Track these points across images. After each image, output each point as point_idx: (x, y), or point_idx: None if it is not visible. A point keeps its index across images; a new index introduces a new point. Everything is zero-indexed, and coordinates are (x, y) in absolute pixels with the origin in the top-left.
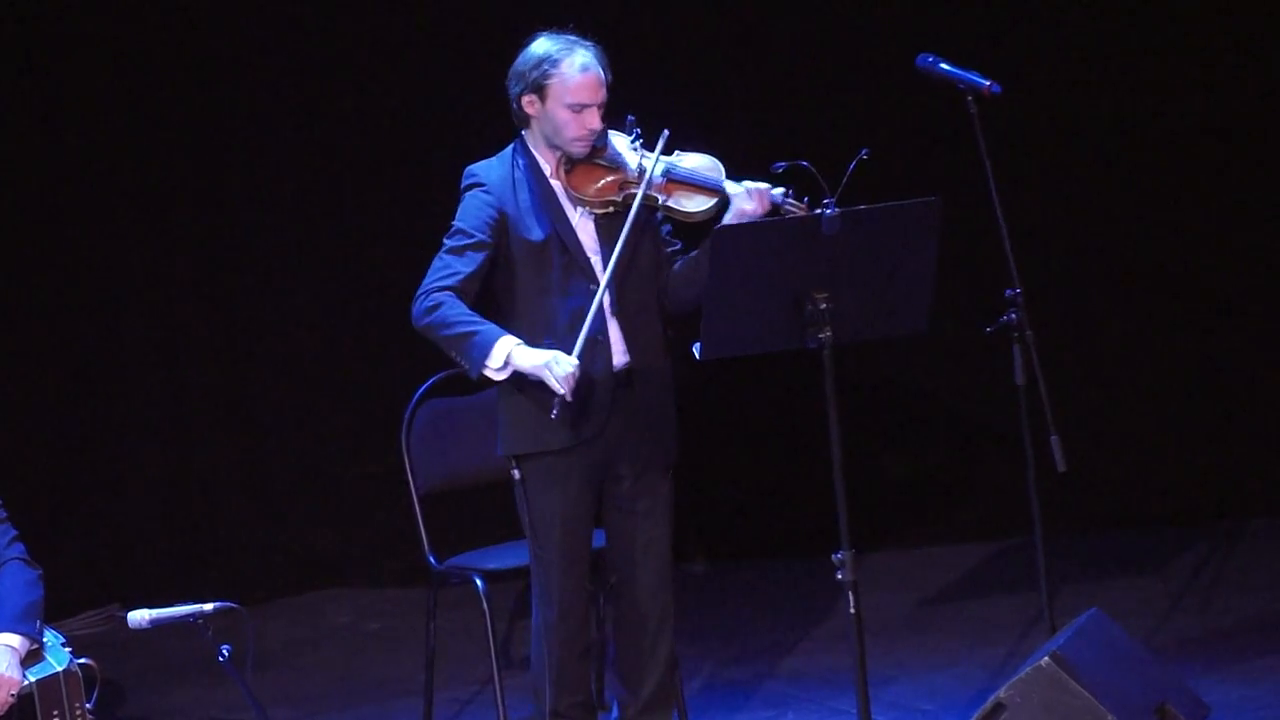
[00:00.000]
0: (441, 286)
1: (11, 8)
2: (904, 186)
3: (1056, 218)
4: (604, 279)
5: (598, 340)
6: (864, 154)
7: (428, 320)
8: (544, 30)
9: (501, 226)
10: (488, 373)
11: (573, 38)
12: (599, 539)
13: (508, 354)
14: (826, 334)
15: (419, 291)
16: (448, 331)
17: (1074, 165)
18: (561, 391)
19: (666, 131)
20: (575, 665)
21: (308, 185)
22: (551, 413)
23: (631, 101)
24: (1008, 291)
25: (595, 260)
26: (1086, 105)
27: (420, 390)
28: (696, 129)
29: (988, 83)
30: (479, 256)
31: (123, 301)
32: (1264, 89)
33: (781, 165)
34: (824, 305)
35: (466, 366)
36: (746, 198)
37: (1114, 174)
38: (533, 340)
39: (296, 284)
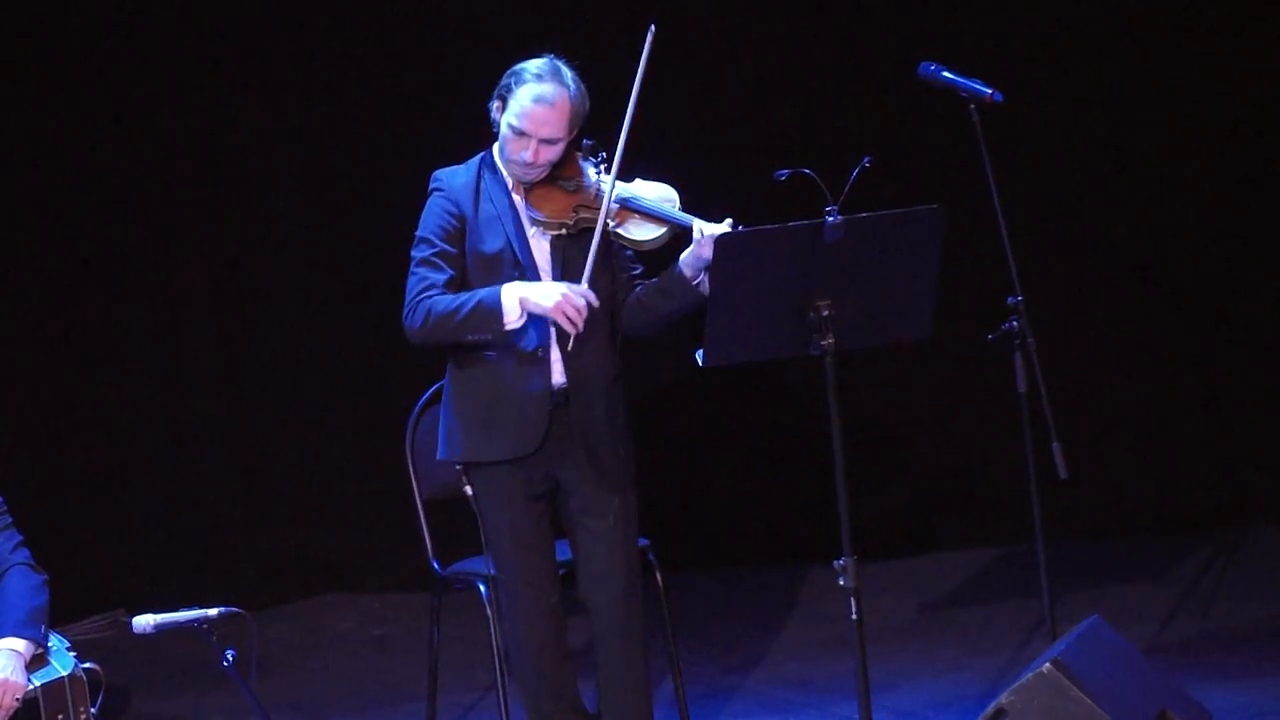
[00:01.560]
0: (423, 298)
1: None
2: (906, 194)
3: (1058, 225)
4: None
5: (538, 356)
6: (866, 162)
7: (426, 327)
8: (560, 56)
9: (460, 232)
10: (509, 326)
11: (561, 66)
12: (566, 551)
13: (518, 298)
14: (829, 341)
15: (405, 308)
16: (451, 320)
17: (1075, 173)
18: (572, 330)
19: (613, 161)
20: (556, 674)
21: (313, 189)
22: (568, 345)
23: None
24: (1009, 299)
25: (546, 278)
26: (1088, 113)
27: (424, 397)
28: (699, 138)
29: (990, 91)
30: (450, 261)
31: (126, 307)
32: (1270, 95)
33: (784, 173)
34: (826, 312)
35: (488, 336)
36: (706, 244)
37: (1115, 182)
38: (474, 356)
39: (299, 290)
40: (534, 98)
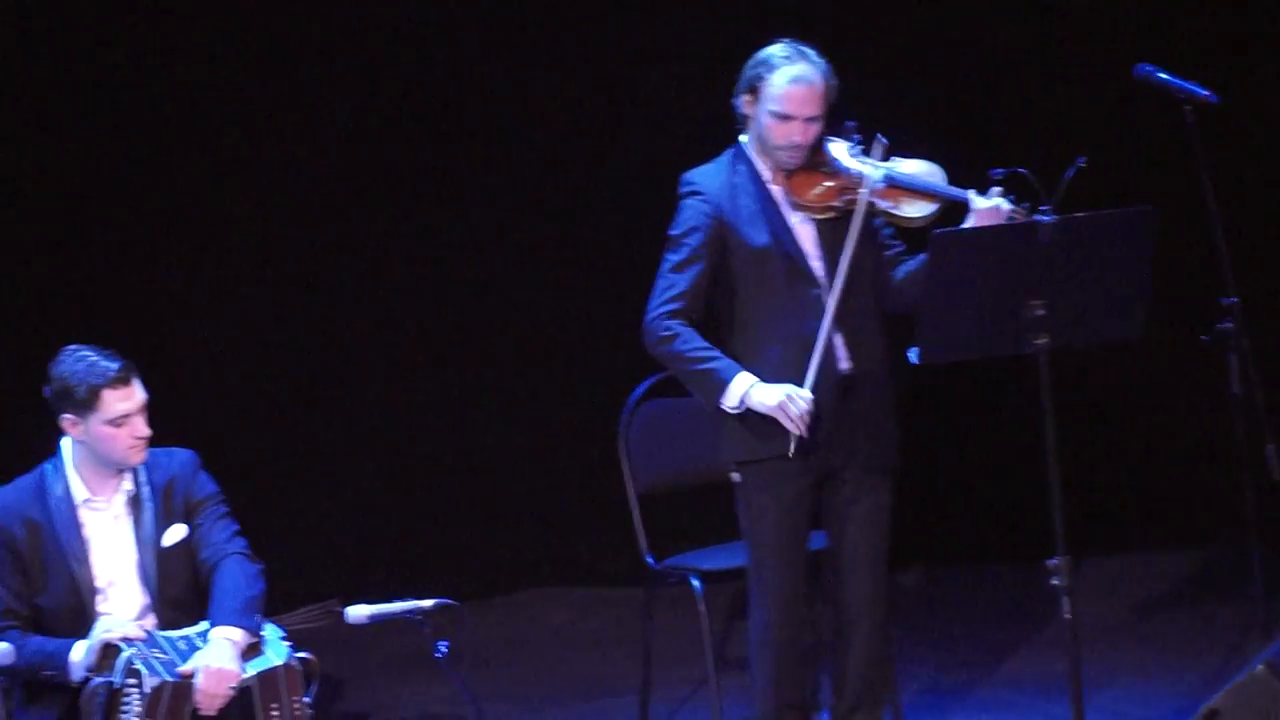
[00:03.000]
0: (670, 311)
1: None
2: (1120, 195)
3: (1273, 227)
4: (835, 289)
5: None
6: (1081, 162)
7: (662, 351)
8: (782, 38)
9: (719, 235)
10: (724, 406)
11: (803, 48)
12: (819, 541)
13: (744, 393)
14: (1042, 340)
15: (648, 314)
16: (684, 365)
17: None
18: (797, 432)
19: (883, 138)
20: (792, 668)
21: (534, 184)
22: (789, 452)
23: (850, 108)
24: (1224, 300)
25: (816, 265)
26: None
27: (638, 391)
28: (915, 136)
29: (1206, 92)
30: (699, 268)
31: (346, 298)
32: None
33: (1000, 171)
34: (1040, 311)
35: (701, 398)
36: (990, 213)
37: None
38: (757, 350)
39: (519, 284)
40: (791, 79)
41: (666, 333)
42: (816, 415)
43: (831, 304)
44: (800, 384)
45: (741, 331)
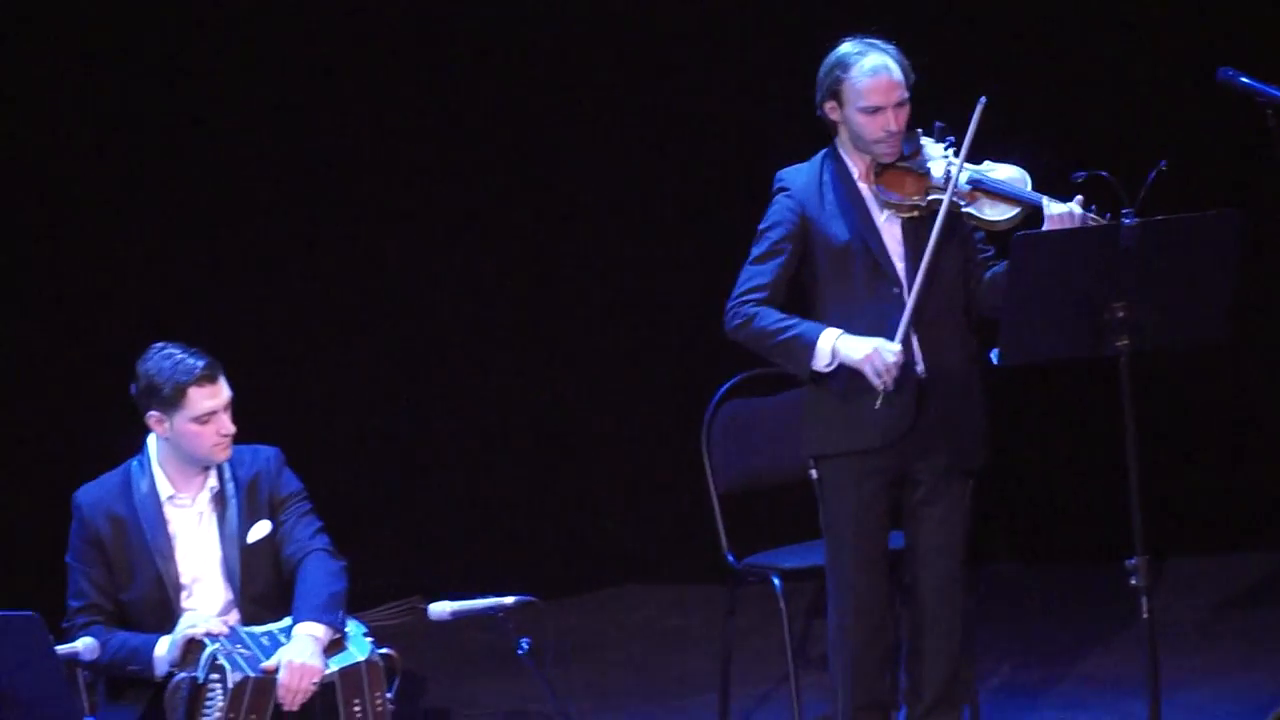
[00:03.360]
0: (750, 299)
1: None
2: (1202, 198)
3: None
4: (915, 287)
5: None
6: (1162, 165)
7: (745, 333)
8: (848, 35)
9: (804, 230)
10: (816, 368)
11: (871, 40)
12: (897, 540)
13: (833, 346)
14: (1124, 342)
15: (729, 304)
16: (767, 339)
17: None
18: (881, 387)
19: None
20: (872, 666)
21: (618, 188)
22: (876, 404)
23: (942, 113)
24: None
25: (899, 264)
26: None
27: (720, 391)
28: (999, 138)
29: None
30: (781, 261)
31: (429, 294)
32: None
33: (1081, 175)
34: (1121, 314)
35: (793, 368)
36: (1063, 219)
37: None
38: None
39: (601, 286)
40: (872, 71)
41: (746, 315)
42: (866, 407)
43: (911, 302)
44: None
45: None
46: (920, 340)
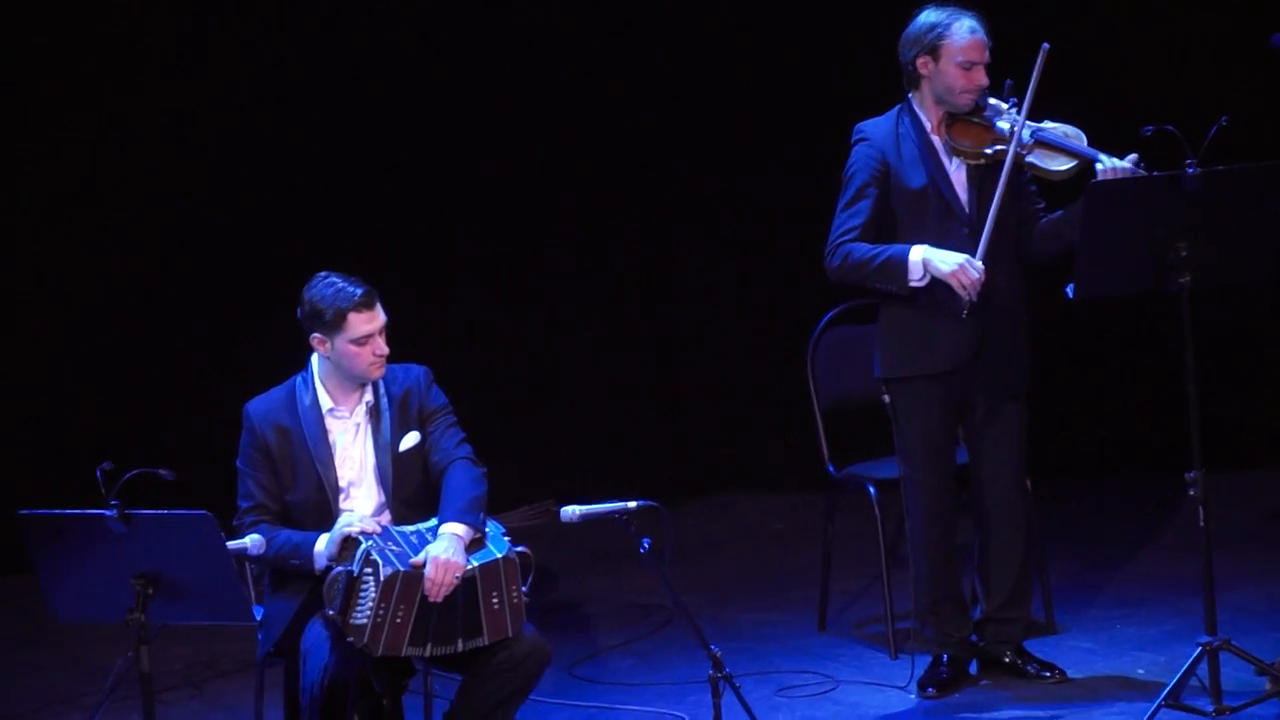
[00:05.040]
0: (845, 239)
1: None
2: (1260, 151)
3: None
4: (989, 223)
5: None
6: (1224, 121)
7: (843, 269)
8: (929, 4)
9: (883, 175)
10: (913, 283)
11: (954, 8)
12: (963, 456)
13: (923, 259)
14: (1185, 279)
15: (828, 247)
16: (865, 268)
17: None
18: (966, 299)
19: (1027, 102)
20: (944, 566)
21: (731, 146)
22: (962, 314)
23: (1011, 71)
24: None
25: (966, 207)
26: None
27: (825, 318)
28: (1076, 98)
29: None
30: (867, 204)
31: (556, 234)
32: None
33: (1149, 129)
34: (1184, 253)
35: (893, 287)
36: (1117, 171)
37: None
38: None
39: (719, 239)
40: (969, 30)
41: (843, 253)
42: (932, 334)
43: (987, 230)
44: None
45: None
46: (987, 276)
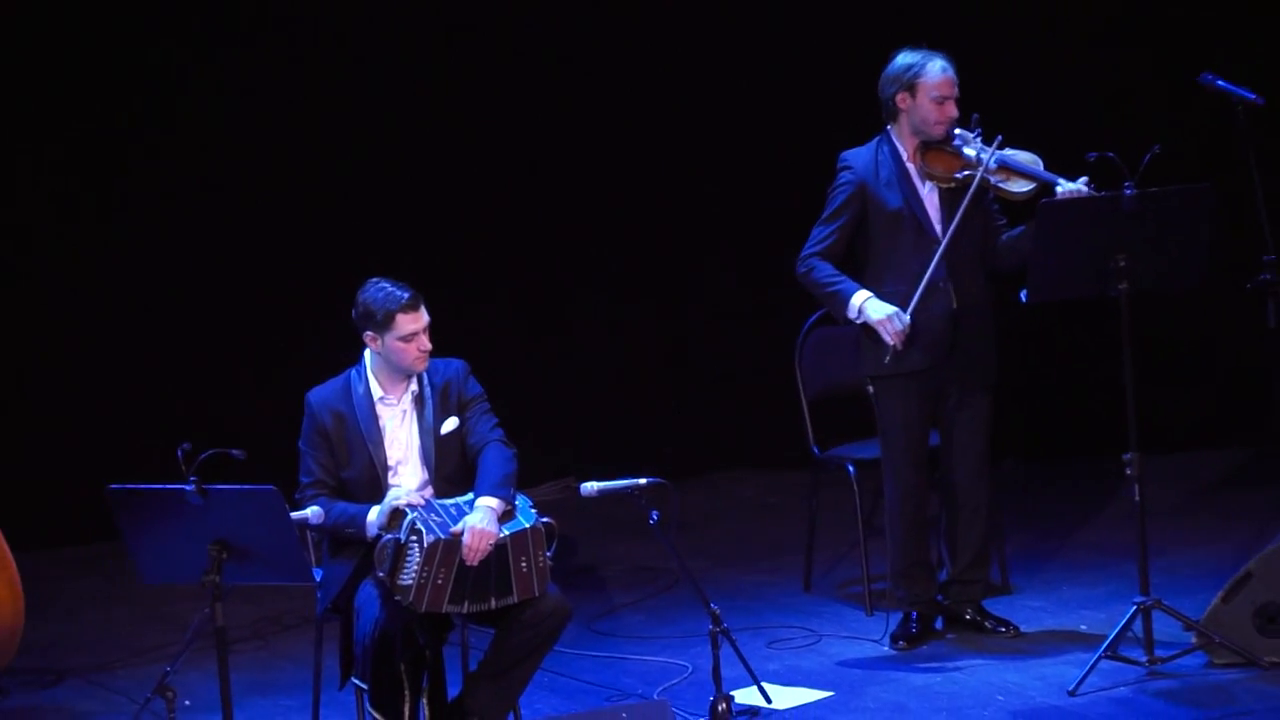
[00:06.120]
0: (814, 254)
1: None
2: (1186, 175)
3: None
4: (945, 239)
5: (939, 287)
6: (1156, 149)
7: (805, 280)
8: (903, 48)
9: (861, 198)
10: (849, 318)
11: (927, 50)
12: (935, 439)
13: (860, 305)
14: (1124, 286)
15: (800, 255)
16: (818, 289)
17: None
18: (891, 344)
19: (1000, 136)
20: (915, 535)
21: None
22: (884, 359)
23: (977, 107)
24: (1265, 257)
25: (937, 225)
26: None
27: (810, 320)
28: (1030, 127)
29: (1254, 96)
30: (841, 223)
31: (595, 224)
32: None
33: (1093, 155)
34: (1123, 264)
35: (833, 312)
36: (1071, 193)
37: None
38: (888, 282)
39: (721, 248)
40: (941, 70)
41: (807, 267)
42: (912, 336)
43: (939, 250)
44: (905, 311)
45: (872, 271)
46: (954, 284)
